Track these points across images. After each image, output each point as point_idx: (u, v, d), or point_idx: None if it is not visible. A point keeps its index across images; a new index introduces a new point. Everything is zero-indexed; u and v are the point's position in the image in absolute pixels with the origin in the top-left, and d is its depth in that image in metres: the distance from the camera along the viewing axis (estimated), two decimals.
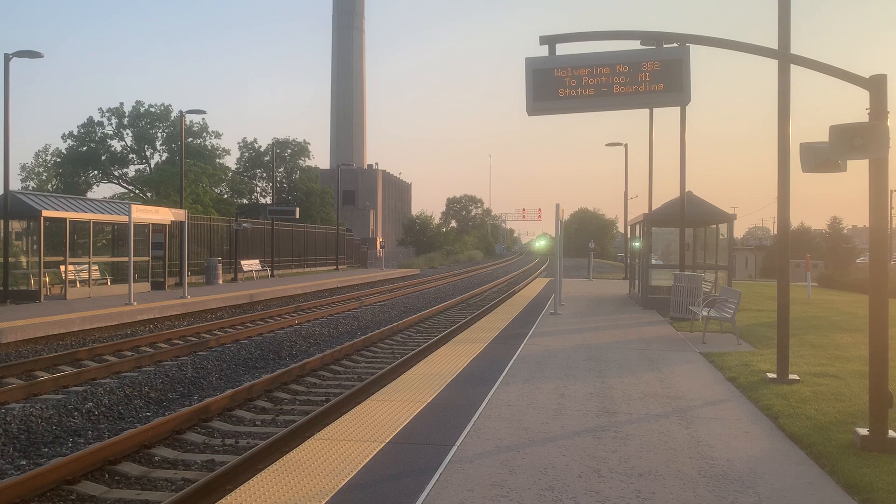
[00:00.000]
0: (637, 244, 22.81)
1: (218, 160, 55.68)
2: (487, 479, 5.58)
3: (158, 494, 6.69)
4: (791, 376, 9.55)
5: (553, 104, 7.62)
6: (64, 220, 22.68)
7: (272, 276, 37.78)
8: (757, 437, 6.96)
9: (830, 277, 37.20)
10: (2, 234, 22.07)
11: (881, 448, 6.38)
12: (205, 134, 54.82)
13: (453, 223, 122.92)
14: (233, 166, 61.91)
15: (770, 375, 9.62)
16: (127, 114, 54.20)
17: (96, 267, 24.81)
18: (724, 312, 13.59)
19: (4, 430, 8.49)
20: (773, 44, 9.44)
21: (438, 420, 7.38)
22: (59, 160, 54.15)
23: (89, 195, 47.91)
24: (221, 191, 57.87)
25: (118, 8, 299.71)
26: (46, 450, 8.17)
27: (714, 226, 21.62)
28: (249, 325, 19.18)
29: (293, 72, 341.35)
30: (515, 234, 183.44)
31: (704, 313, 13.87)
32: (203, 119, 53.90)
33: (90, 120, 53.91)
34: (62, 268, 22.82)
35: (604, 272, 46.82)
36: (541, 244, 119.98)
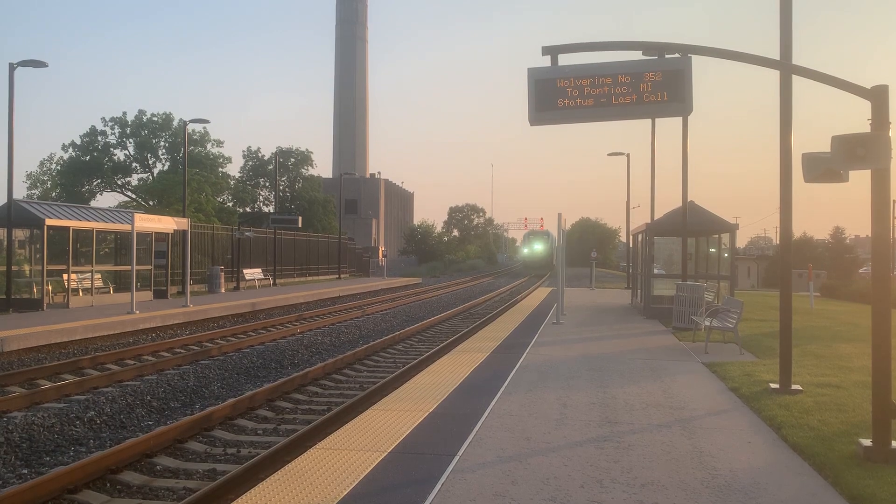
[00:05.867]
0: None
1: (220, 169, 55.82)
2: (489, 489, 5.57)
3: None
4: (794, 387, 9.53)
5: (555, 114, 7.64)
6: (67, 228, 22.72)
7: (274, 284, 37.79)
8: (760, 447, 6.95)
9: (833, 287, 37.10)
10: (5, 243, 22.12)
11: (884, 459, 6.36)
12: (207, 143, 54.99)
13: (455, 232, 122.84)
14: (236, 175, 62.16)
15: (773, 386, 9.60)
16: (129, 123, 54.41)
17: (99, 275, 24.83)
18: (727, 322, 13.57)
19: (6, 438, 8.49)
20: (775, 54, 9.47)
21: (440, 430, 7.37)
22: (61, 169, 54.31)
23: (92, 204, 48.03)
24: (224, 199, 57.99)
25: (122, 18, 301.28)
26: (48, 458, 8.16)
27: (716, 235, 21.61)
28: (251, 333, 19.18)
29: (296, 81, 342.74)
30: (517, 244, 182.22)
31: (707, 323, 13.85)
32: (205, 128, 54.08)
33: (93, 129, 54.15)
34: (65, 276, 22.84)
35: (606, 281, 46.76)
36: (536, 249, 76.09)
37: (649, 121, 23.98)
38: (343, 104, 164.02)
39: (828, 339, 15.63)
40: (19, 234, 23.94)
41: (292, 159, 64.41)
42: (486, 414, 8.07)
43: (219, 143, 56.05)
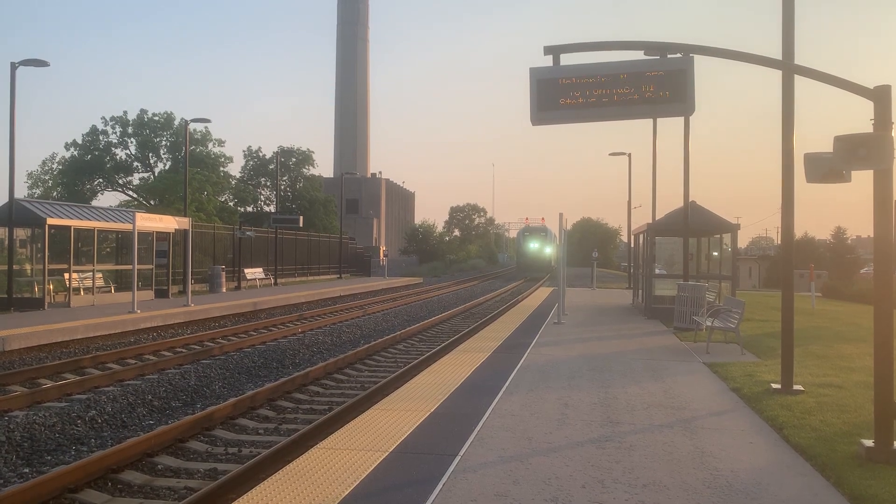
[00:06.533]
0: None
1: (222, 168, 55.81)
2: (491, 489, 5.56)
3: (161, 503, 6.69)
4: (795, 387, 9.52)
5: (557, 114, 7.64)
6: (68, 227, 22.73)
7: (275, 284, 37.80)
8: (761, 448, 6.94)
9: (834, 288, 37.07)
10: (6, 242, 22.13)
11: (886, 459, 6.36)
12: (208, 142, 54.99)
13: (456, 232, 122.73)
14: (237, 174, 62.14)
15: (774, 386, 9.59)
16: (131, 122, 54.41)
17: (100, 275, 24.84)
18: (728, 322, 13.56)
19: (8, 437, 8.50)
20: (777, 54, 9.46)
21: (442, 430, 7.37)
22: (62, 168, 54.33)
23: (94, 203, 48.03)
24: (225, 199, 57.99)
25: (123, 18, 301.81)
26: (49, 458, 8.17)
27: (718, 235, 21.59)
28: (253, 333, 19.18)
29: (297, 81, 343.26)
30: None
31: (708, 323, 13.84)
32: (206, 127, 54.03)
33: (94, 128, 54.15)
34: (66, 275, 22.85)
35: (607, 281, 46.72)
36: (533, 248, 66.88)
37: (651, 120, 23.98)
38: (344, 104, 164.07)
39: (829, 339, 15.62)
40: (21, 233, 23.94)
41: (293, 159, 64.38)
42: (487, 414, 8.07)
43: (220, 143, 56.04)
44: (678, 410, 8.42)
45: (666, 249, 26.56)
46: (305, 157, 65.18)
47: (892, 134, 6.51)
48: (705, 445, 6.88)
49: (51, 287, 22.56)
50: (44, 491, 6.57)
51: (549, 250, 62.90)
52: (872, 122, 6.64)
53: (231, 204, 58.96)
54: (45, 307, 21.57)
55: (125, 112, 54.54)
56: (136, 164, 56.03)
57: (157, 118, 54.65)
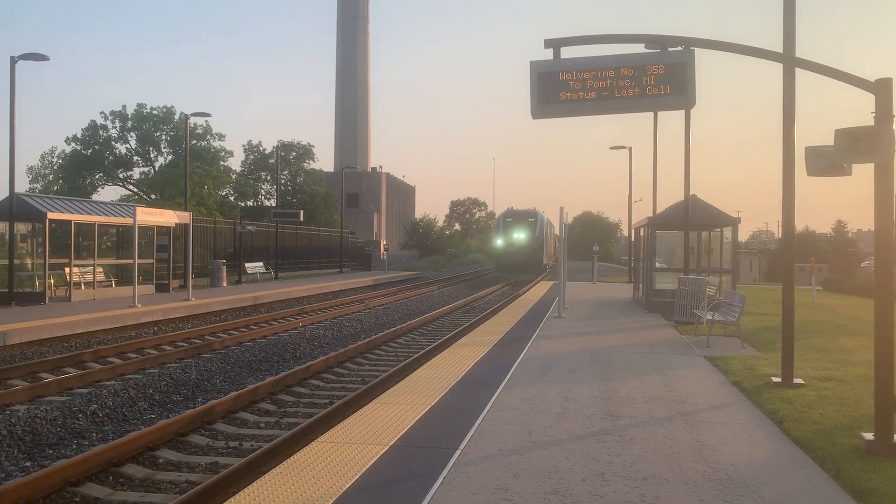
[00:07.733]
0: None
1: (222, 163, 55.78)
2: (491, 482, 5.57)
3: (162, 497, 6.70)
4: (796, 380, 9.53)
5: (558, 107, 7.64)
6: (69, 222, 22.74)
7: (276, 278, 37.81)
8: (762, 441, 6.95)
9: (835, 281, 37.07)
10: (7, 237, 22.15)
11: (886, 452, 6.36)
12: (209, 136, 54.94)
13: (457, 226, 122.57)
14: (237, 169, 62.11)
15: (775, 379, 9.60)
16: (130, 116, 54.34)
17: (101, 269, 24.87)
18: (729, 316, 13.56)
19: (9, 431, 8.52)
20: (778, 47, 9.44)
21: (442, 423, 7.38)
22: (62, 162, 54.32)
23: (94, 198, 48.00)
24: (226, 193, 57.96)
25: (122, 11, 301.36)
26: (51, 451, 8.19)
27: (718, 229, 21.57)
28: (253, 327, 19.20)
29: (298, 75, 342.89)
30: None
31: (709, 317, 13.84)
32: (206, 122, 53.93)
33: (93, 123, 54.12)
34: (67, 270, 22.87)
35: (607, 275, 46.65)
36: (517, 239, 44.57)
37: (652, 114, 23.92)
38: (345, 98, 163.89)
39: (830, 332, 15.63)
40: (21, 227, 23.93)
41: (294, 153, 64.34)
42: (487, 407, 8.08)
43: (220, 137, 55.99)
44: (678, 404, 8.43)
45: (666, 243, 26.56)
46: (306, 152, 65.14)
47: (893, 127, 6.50)
48: (705, 439, 6.89)
49: (51, 281, 22.57)
50: (45, 484, 6.59)
51: (539, 242, 45.60)
52: (873, 115, 6.64)
53: (231, 198, 58.95)
54: (46, 301, 21.58)
55: (124, 106, 54.51)
56: (136, 158, 56.04)
57: (156, 112, 54.60)
